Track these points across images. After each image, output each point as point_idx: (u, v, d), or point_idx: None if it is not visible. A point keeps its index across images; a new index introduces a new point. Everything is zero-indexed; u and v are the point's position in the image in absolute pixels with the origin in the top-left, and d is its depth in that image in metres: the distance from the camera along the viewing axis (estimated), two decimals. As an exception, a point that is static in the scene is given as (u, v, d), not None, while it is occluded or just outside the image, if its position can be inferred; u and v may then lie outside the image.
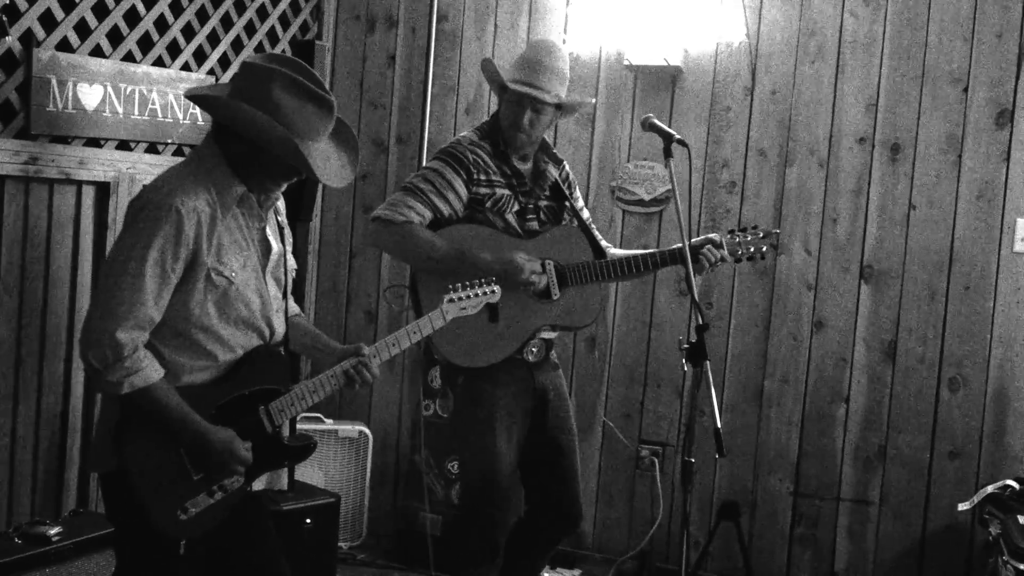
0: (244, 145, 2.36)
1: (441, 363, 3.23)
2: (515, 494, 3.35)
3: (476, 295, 2.69)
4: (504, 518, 3.21)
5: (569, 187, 3.37)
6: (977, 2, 3.83)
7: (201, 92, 2.44)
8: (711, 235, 3.25)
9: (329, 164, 2.43)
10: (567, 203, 3.31)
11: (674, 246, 3.24)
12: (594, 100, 3.22)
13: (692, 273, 2.96)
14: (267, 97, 2.32)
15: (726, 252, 3.21)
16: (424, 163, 3.98)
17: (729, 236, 3.26)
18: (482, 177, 3.13)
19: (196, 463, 2.37)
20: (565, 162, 3.39)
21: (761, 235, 3.29)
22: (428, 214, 3.09)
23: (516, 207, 3.18)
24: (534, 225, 3.23)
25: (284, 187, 2.52)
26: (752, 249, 3.28)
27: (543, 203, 3.27)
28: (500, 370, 3.14)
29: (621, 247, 4.25)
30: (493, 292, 2.71)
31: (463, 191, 3.11)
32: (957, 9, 3.86)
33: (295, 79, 2.34)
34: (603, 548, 4.36)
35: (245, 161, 2.38)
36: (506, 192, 3.17)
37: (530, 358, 3.20)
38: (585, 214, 3.42)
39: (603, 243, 3.39)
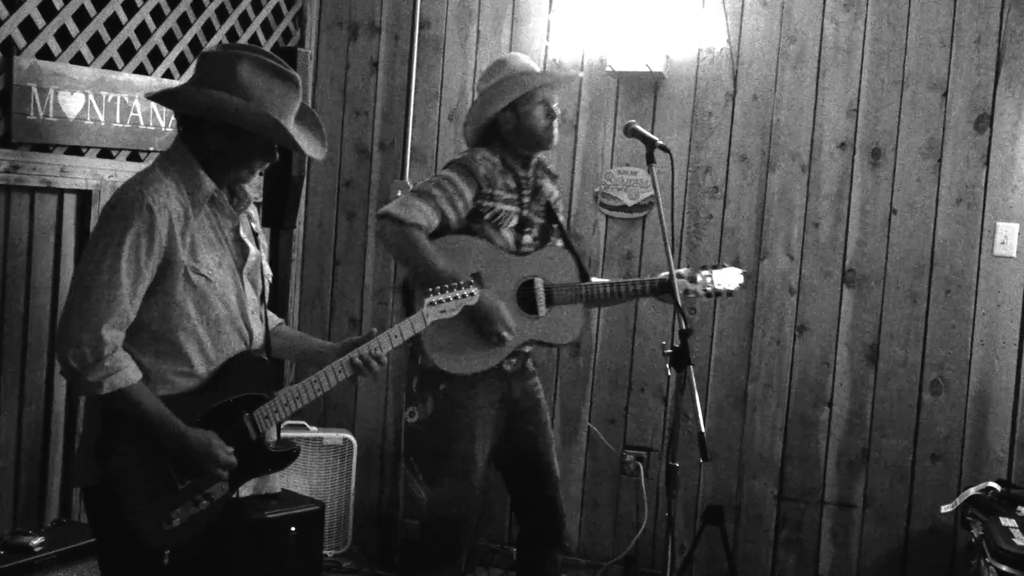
0: (217, 135, 2.35)
1: (422, 369, 3.25)
2: (482, 500, 3.36)
3: (455, 298, 2.70)
4: (469, 523, 3.27)
5: (556, 208, 3.45)
6: (956, 8, 3.86)
7: (162, 91, 2.44)
8: (681, 270, 3.39)
9: (303, 139, 2.44)
10: (556, 224, 3.38)
11: (660, 275, 3.33)
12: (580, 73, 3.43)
13: (675, 281, 2.99)
14: (234, 80, 2.31)
15: (698, 287, 3.38)
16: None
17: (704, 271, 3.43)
18: (489, 191, 3.19)
19: (181, 472, 2.36)
20: (559, 178, 3.47)
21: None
22: (436, 220, 3.13)
23: (515, 221, 3.25)
24: (528, 239, 3.29)
25: (257, 174, 2.51)
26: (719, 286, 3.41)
27: (538, 220, 3.34)
28: (479, 379, 3.19)
29: (604, 253, 4.28)
30: (472, 295, 2.72)
31: (471, 201, 3.17)
32: (936, 15, 3.89)
33: (259, 58, 2.34)
34: (588, 553, 4.36)
35: (219, 152, 2.37)
36: (507, 208, 3.23)
37: (508, 368, 3.25)
38: None
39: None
